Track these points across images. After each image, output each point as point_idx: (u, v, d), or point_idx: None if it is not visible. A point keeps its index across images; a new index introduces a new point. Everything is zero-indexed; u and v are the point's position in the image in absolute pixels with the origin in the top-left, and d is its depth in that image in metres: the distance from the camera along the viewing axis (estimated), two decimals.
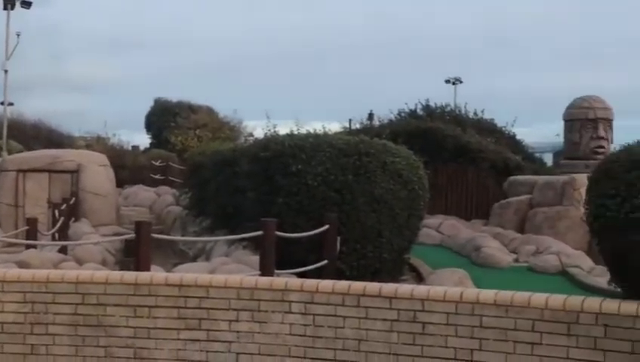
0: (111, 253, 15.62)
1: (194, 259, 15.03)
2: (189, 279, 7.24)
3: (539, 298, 6.44)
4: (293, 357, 6.97)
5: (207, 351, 7.11)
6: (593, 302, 6.34)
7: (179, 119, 37.55)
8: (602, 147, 18.55)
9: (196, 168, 18.05)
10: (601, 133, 18.91)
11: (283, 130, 16.70)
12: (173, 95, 41.24)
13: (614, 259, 7.27)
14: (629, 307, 6.20)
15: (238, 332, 7.07)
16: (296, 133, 14.63)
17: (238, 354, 7.07)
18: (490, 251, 15.04)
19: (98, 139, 37.50)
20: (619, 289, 7.63)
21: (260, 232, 9.60)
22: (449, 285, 10.39)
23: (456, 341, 6.57)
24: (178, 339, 7.14)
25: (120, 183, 26.48)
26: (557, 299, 6.41)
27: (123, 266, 13.72)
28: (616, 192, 7.06)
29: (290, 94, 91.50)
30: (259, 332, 7.03)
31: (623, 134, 19.57)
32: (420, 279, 12.79)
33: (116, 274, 7.42)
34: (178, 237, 16.92)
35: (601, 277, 12.37)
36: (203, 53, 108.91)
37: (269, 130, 19.34)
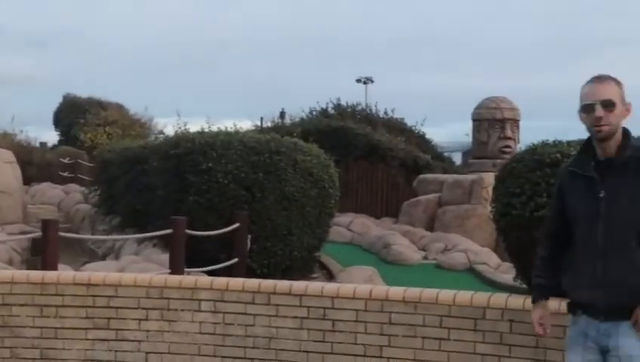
0: (17, 252, 15.32)
1: (103, 258, 14.85)
2: (98, 278, 7.15)
3: (446, 294, 6.53)
4: (203, 355, 6.95)
5: (116, 351, 7.03)
6: (499, 298, 6.46)
7: (88, 116, 36.99)
8: (509, 147, 18.89)
9: (105, 165, 17.82)
10: (508, 133, 19.25)
11: (194, 128, 16.54)
12: (83, 91, 40.75)
13: (519, 255, 7.44)
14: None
15: (147, 331, 7.01)
16: (207, 130, 14.51)
17: (147, 353, 7.01)
18: (399, 249, 15.21)
19: (4, 136, 36.59)
20: (524, 285, 7.82)
21: (169, 230, 9.53)
22: (359, 282, 10.48)
23: (366, 337, 6.63)
24: (86, 339, 7.04)
25: (27, 181, 25.96)
26: (464, 296, 6.51)
27: (30, 265, 13.48)
28: (521, 191, 7.25)
29: (202, 92, 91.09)
30: (168, 331, 6.98)
31: (529, 135, 20.00)
32: (330, 277, 12.85)
33: (22, 274, 7.29)
34: (87, 236, 16.68)
35: (507, 273, 12.61)
36: (114, 51, 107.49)
37: (180, 128, 19.15)
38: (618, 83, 4.11)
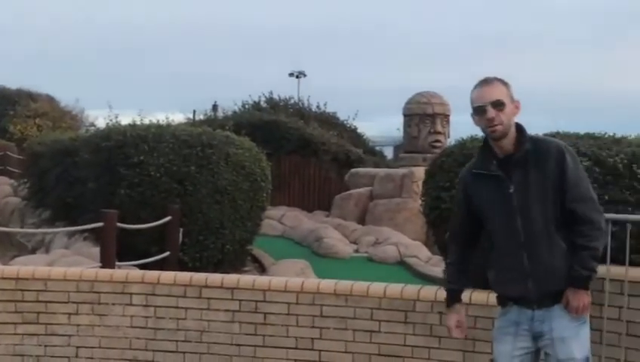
0: None
1: (33, 252, 14.68)
2: (27, 272, 7.09)
3: (377, 287, 6.61)
4: (135, 349, 6.93)
5: (46, 346, 6.98)
6: (429, 291, 6.56)
7: (18, 107, 36.34)
8: (439, 141, 19.08)
9: (35, 158, 17.57)
10: (439, 128, 19.44)
11: (125, 120, 16.43)
12: (12, 82, 40.05)
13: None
14: (463, 295, 6.43)
15: (77, 325, 6.97)
16: (138, 123, 14.39)
17: (77, 347, 6.97)
18: (331, 242, 15.27)
19: None
20: None
21: (100, 223, 9.46)
22: (291, 275, 10.51)
23: (297, 330, 6.68)
24: (15, 334, 6.98)
25: None
26: (394, 288, 6.60)
27: None
28: (450, 185, 7.32)
29: (134, 84, 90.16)
30: (99, 325, 6.95)
31: (460, 130, 20.20)
32: (262, 270, 12.87)
33: None
34: (16, 229, 16.47)
35: (437, 266, 12.75)
36: (44, 41, 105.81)
37: (111, 120, 18.98)
38: (505, 83, 4.27)
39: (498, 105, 4.18)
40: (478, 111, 4.23)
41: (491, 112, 4.18)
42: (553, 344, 4.19)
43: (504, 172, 4.23)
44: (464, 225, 4.51)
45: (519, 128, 4.28)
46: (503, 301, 4.40)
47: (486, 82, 4.26)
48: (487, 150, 4.35)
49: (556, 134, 7.34)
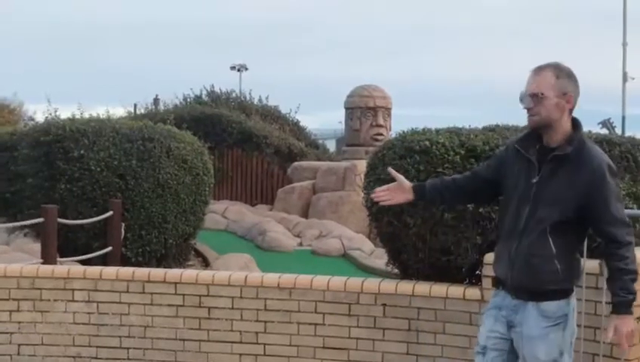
0: None
1: None
2: None
3: (321, 280, 6.65)
4: (78, 346, 6.88)
5: None
6: (372, 283, 6.62)
7: None
8: (381, 134, 19.13)
9: None
10: (380, 121, 19.52)
11: (65, 115, 16.19)
12: None
13: (391, 241, 7.59)
14: (406, 287, 6.51)
15: (19, 322, 6.90)
16: (78, 117, 14.22)
17: (19, 345, 6.91)
18: (275, 235, 15.29)
19: None
20: (396, 270, 7.99)
21: (40, 219, 9.37)
22: (235, 269, 10.52)
23: (242, 324, 6.69)
24: None
25: None
26: (338, 281, 6.64)
27: None
28: (392, 178, 7.36)
29: (74, 78, 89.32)
30: (41, 322, 6.90)
31: (401, 123, 20.32)
32: (206, 264, 12.86)
33: None
34: None
35: (381, 259, 12.83)
36: None
37: (50, 114, 18.71)
38: (557, 73, 4.19)
39: (535, 97, 4.13)
40: (520, 99, 4.20)
41: (528, 102, 4.16)
42: (521, 339, 4.22)
43: (538, 161, 4.21)
44: (473, 178, 4.58)
45: (575, 125, 4.23)
46: (495, 282, 4.45)
47: (537, 70, 4.21)
48: (536, 132, 4.29)
49: (496, 127, 7.45)
